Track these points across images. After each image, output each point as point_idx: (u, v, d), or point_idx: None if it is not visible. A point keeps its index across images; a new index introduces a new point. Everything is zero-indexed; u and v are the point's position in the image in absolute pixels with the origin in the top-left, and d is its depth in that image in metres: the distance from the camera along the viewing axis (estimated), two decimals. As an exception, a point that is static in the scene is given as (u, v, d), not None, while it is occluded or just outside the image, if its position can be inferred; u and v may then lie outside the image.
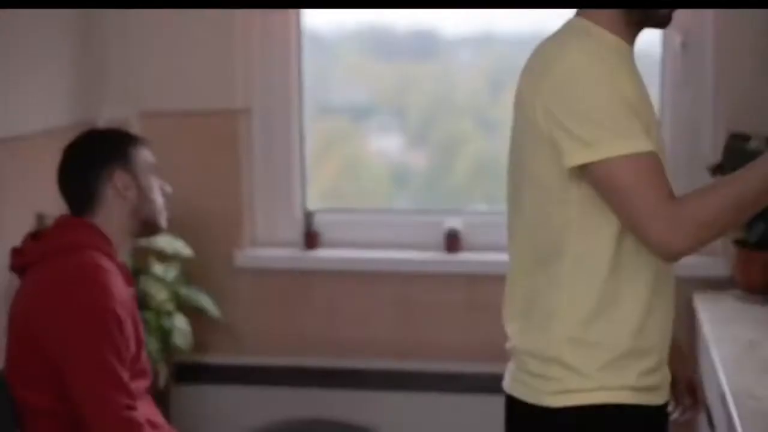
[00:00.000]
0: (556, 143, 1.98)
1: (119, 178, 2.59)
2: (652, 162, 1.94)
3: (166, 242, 3.52)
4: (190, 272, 3.64)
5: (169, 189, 2.69)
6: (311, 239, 3.75)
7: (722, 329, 2.92)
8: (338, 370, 3.70)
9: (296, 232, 3.79)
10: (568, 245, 2.03)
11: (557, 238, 2.04)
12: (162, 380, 3.51)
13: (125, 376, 2.47)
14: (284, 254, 3.77)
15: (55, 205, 3.10)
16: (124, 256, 2.66)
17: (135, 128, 3.49)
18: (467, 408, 3.60)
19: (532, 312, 2.10)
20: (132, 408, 2.46)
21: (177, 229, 3.64)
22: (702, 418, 2.98)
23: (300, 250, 3.77)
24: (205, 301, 3.60)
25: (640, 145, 1.93)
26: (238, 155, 3.75)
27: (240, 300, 3.78)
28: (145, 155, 2.64)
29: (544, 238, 2.06)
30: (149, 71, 3.74)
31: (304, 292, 3.76)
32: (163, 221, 2.69)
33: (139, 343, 2.60)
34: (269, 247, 3.81)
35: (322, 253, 3.76)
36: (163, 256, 3.55)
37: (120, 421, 2.43)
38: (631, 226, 1.97)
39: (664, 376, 2.13)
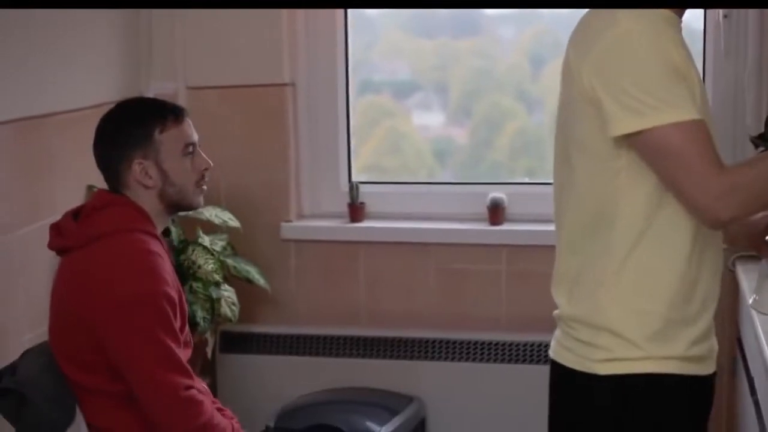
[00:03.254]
0: (603, 111, 1.98)
1: (137, 166, 2.55)
2: (700, 130, 1.95)
3: (213, 214, 3.56)
4: (238, 243, 3.67)
5: (208, 165, 2.62)
6: (356, 211, 3.79)
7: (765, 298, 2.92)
8: (382, 340, 3.72)
9: (341, 205, 3.82)
10: (618, 213, 2.04)
11: (607, 207, 2.05)
12: (209, 349, 3.56)
13: (183, 356, 2.48)
14: (330, 226, 3.80)
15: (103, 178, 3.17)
16: (160, 229, 2.64)
17: (182, 103, 3.51)
18: (509, 378, 3.62)
19: (581, 281, 2.11)
20: (190, 387, 2.47)
21: (225, 201, 3.71)
22: (744, 386, 2.99)
23: (345, 222, 3.80)
24: (252, 272, 3.63)
25: (689, 113, 1.94)
26: (284, 129, 3.78)
27: (286, 271, 3.81)
28: (172, 136, 2.57)
29: (594, 207, 2.07)
30: (196, 46, 3.77)
31: (348, 263, 3.79)
32: (195, 201, 2.63)
33: (184, 315, 2.60)
34: (315, 219, 3.86)
35: (366, 224, 3.79)
36: (210, 227, 3.58)
37: (179, 401, 2.45)
38: (678, 194, 1.98)
39: (711, 346, 2.14)
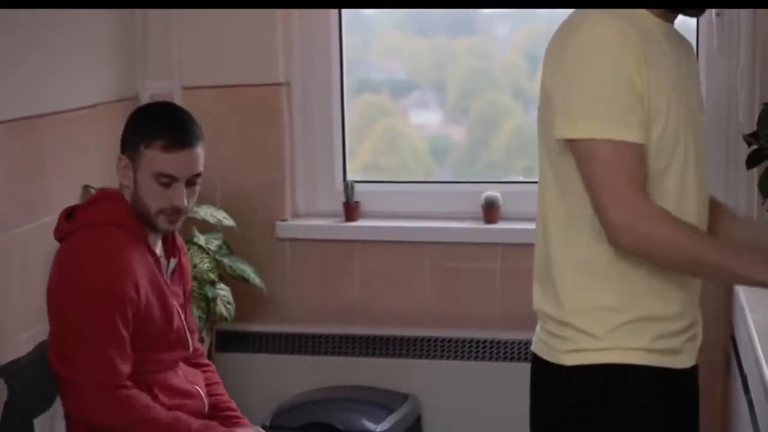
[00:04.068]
0: (552, 112, 2.01)
1: (119, 161, 2.61)
2: (634, 153, 1.96)
3: (208, 213, 3.57)
4: (233, 242, 3.67)
5: (180, 204, 2.59)
6: (351, 210, 3.79)
7: (758, 296, 2.90)
8: (377, 338, 3.73)
9: (336, 204, 3.82)
10: (575, 213, 2.05)
11: (565, 206, 2.06)
12: (205, 348, 3.57)
13: (121, 355, 2.48)
14: (325, 225, 3.80)
15: (100, 177, 3.18)
16: (153, 236, 2.65)
17: (177, 102, 3.50)
18: (504, 375, 3.62)
19: (546, 280, 2.14)
20: (122, 387, 2.48)
21: (220, 200, 3.72)
22: (737, 383, 3.00)
23: (340, 221, 3.81)
24: (248, 271, 3.63)
25: (628, 134, 1.95)
26: (279, 128, 3.78)
27: (281, 270, 3.82)
28: (153, 157, 2.56)
29: (557, 205, 2.09)
30: (191, 46, 3.78)
31: (344, 262, 3.79)
32: (157, 224, 2.61)
33: (168, 316, 2.62)
34: (310, 218, 3.86)
35: (361, 223, 3.79)
36: (206, 226, 3.58)
37: (111, 400, 2.47)
38: (595, 206, 1.98)
39: (687, 340, 2.13)
